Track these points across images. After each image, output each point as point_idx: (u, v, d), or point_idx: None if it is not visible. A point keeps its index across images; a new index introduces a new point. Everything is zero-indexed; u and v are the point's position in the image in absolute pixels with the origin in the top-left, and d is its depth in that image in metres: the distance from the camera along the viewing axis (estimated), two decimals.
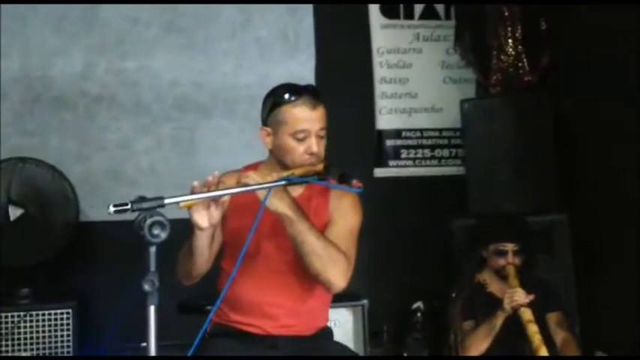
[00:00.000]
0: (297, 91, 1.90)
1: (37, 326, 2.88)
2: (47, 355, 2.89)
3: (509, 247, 2.74)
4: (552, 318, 2.75)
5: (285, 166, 1.90)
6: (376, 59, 3.75)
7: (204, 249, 1.81)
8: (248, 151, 3.54)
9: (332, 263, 1.82)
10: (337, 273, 1.83)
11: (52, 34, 3.39)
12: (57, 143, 3.35)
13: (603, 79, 3.16)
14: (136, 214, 1.51)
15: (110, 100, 3.46)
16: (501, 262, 2.75)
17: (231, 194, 1.70)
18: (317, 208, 1.96)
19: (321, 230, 1.87)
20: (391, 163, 3.73)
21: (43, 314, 2.89)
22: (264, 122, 1.96)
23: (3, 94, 3.31)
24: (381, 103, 3.75)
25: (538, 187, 3.24)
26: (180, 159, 3.54)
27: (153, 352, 1.49)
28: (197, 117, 3.57)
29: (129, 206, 1.47)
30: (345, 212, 1.96)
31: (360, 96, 3.68)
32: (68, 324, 2.92)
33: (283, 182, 1.72)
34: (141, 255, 3.53)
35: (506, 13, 3.46)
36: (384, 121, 3.74)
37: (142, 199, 1.50)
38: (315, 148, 1.86)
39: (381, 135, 3.74)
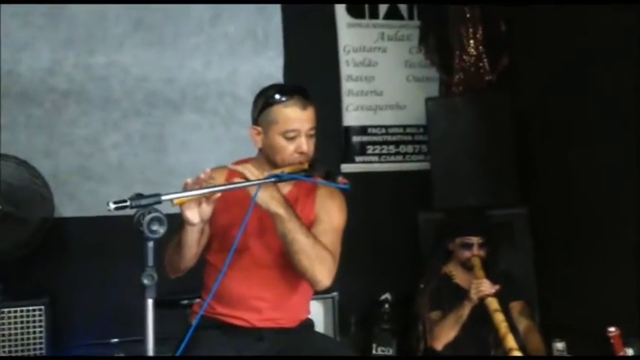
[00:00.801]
0: (288, 91, 1.95)
1: (9, 323, 2.85)
2: (19, 353, 2.87)
3: (474, 240, 2.88)
4: (515, 307, 2.90)
5: (274, 165, 1.95)
6: (343, 57, 3.83)
7: (193, 243, 1.86)
8: (217, 146, 3.63)
9: (319, 262, 1.89)
10: (324, 271, 1.91)
11: (19, 29, 3.33)
12: (25, 138, 3.31)
13: (559, 78, 3.32)
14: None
15: (78, 96, 3.43)
16: (467, 254, 2.88)
17: (225, 191, 1.75)
18: (304, 207, 2.03)
19: (308, 227, 1.94)
20: (357, 158, 3.82)
21: (15, 311, 2.86)
22: (255, 121, 2.01)
23: None
24: (347, 101, 3.83)
25: (499, 181, 3.39)
26: (149, 155, 3.54)
27: (150, 345, 1.52)
28: (166, 112, 3.58)
29: (128, 203, 1.50)
30: (331, 211, 2.03)
31: (327, 93, 3.74)
32: (40, 321, 2.90)
33: (272, 179, 1.78)
34: (111, 251, 3.54)
35: (468, 15, 3.62)
36: (351, 117, 3.83)
37: (140, 196, 1.54)
38: (304, 148, 1.93)
39: (348, 131, 3.83)
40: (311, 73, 3.64)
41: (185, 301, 2.86)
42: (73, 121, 3.43)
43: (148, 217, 1.48)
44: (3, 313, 2.85)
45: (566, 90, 3.27)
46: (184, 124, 3.60)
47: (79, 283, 3.24)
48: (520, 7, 3.51)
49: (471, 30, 3.59)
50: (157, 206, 1.55)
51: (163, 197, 1.57)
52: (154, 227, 1.49)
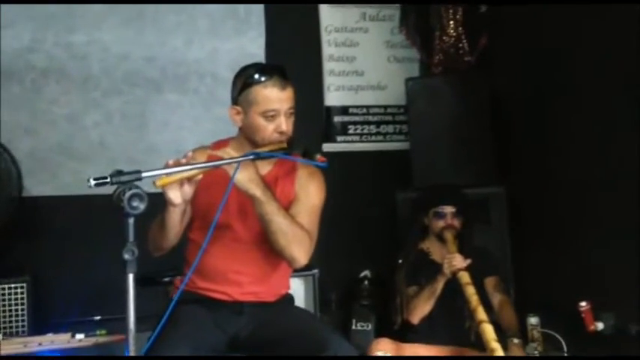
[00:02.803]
0: (267, 71, 1.97)
1: None
2: (1, 330, 2.89)
3: (448, 209, 2.94)
4: (490, 282, 2.96)
5: (254, 144, 1.98)
6: (324, 37, 3.86)
7: (176, 223, 1.90)
8: (198, 126, 3.64)
9: (296, 241, 1.94)
10: (300, 250, 1.96)
11: None
12: (6, 117, 3.29)
13: (536, 59, 3.37)
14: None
15: (59, 74, 3.42)
16: (441, 223, 2.94)
17: (205, 169, 1.78)
18: (283, 186, 2.07)
19: (287, 207, 1.98)
20: (339, 138, 3.86)
21: None
22: (234, 101, 2.03)
23: None
24: (329, 80, 3.86)
25: (477, 161, 3.44)
26: (130, 133, 3.54)
27: (132, 320, 1.56)
28: (147, 91, 3.58)
29: (108, 179, 1.52)
30: (309, 191, 2.07)
31: (309, 73, 3.77)
32: (22, 298, 2.92)
33: (251, 157, 1.81)
34: (93, 229, 3.55)
35: None
36: (332, 97, 3.87)
37: (120, 172, 1.56)
38: (284, 127, 1.96)
39: (330, 111, 3.86)
40: (293, 53, 3.67)
41: (167, 279, 2.89)
42: (54, 100, 3.42)
43: (128, 194, 1.51)
44: None
45: (542, 71, 3.32)
46: (165, 103, 3.61)
47: (61, 262, 3.25)
48: None
49: (450, 11, 3.61)
50: (139, 185, 1.58)
51: (144, 174, 1.59)
52: (135, 203, 1.52)
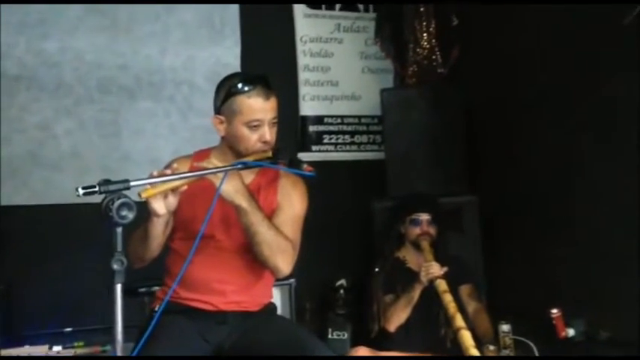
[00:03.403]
0: (251, 81, 1.97)
1: None
2: None
3: (423, 217, 3.00)
4: (464, 290, 3.02)
5: (237, 153, 1.98)
6: (300, 47, 3.88)
7: (159, 234, 1.90)
8: (174, 134, 3.62)
9: (280, 252, 1.95)
10: (284, 260, 1.97)
11: None
12: None
13: (505, 71, 3.45)
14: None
15: (30, 81, 3.36)
16: (417, 231, 2.99)
17: (191, 179, 1.77)
18: (266, 195, 2.08)
19: (269, 216, 1.99)
20: (314, 147, 3.88)
21: None
22: (217, 110, 2.02)
23: None
24: (304, 90, 3.88)
25: (450, 171, 3.50)
26: (103, 142, 3.50)
27: (119, 330, 1.54)
28: (121, 99, 3.54)
29: (97, 188, 1.51)
30: (292, 200, 2.09)
31: (284, 83, 3.77)
32: None
33: (239, 166, 1.82)
34: (64, 239, 3.49)
35: (422, 9, 3.70)
36: (307, 107, 3.89)
37: (108, 181, 1.55)
38: (268, 137, 1.96)
39: (305, 120, 3.88)
40: (268, 63, 3.66)
41: (143, 289, 2.86)
42: (25, 107, 3.36)
43: (117, 203, 1.50)
44: None
45: (511, 82, 3.40)
46: (139, 111, 3.57)
47: (32, 272, 3.18)
48: (471, 2, 3.62)
49: (424, 24, 3.68)
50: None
51: (132, 183, 1.58)
52: (123, 212, 1.51)
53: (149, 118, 3.59)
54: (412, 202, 3.10)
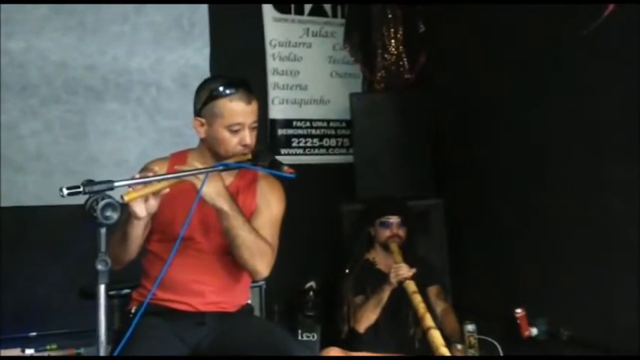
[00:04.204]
0: (233, 85, 1.98)
1: None
2: None
3: (393, 219, 3.06)
4: (432, 291, 3.09)
5: (217, 155, 2.00)
6: (269, 51, 3.90)
7: (138, 236, 1.90)
8: (142, 136, 3.59)
9: (259, 255, 1.98)
10: (263, 263, 2.00)
11: None
12: None
13: (471, 78, 3.54)
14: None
15: None
16: (387, 233, 3.04)
17: (174, 181, 1.77)
18: (245, 197, 2.09)
19: (249, 218, 2.00)
20: (283, 151, 3.89)
21: None
22: (198, 113, 2.02)
23: None
24: (273, 94, 3.90)
25: (417, 174, 3.58)
26: (70, 143, 3.44)
27: (102, 331, 1.54)
28: (88, 100, 3.49)
29: (81, 189, 1.50)
30: (271, 202, 2.11)
31: (253, 86, 3.72)
32: None
33: (220, 167, 1.83)
34: (27, 242, 3.42)
35: (390, 16, 3.77)
36: (277, 110, 3.91)
37: (91, 182, 1.54)
38: (248, 140, 1.99)
39: (274, 124, 3.90)
40: (237, 66, 3.68)
41: (113, 292, 2.82)
42: None
43: (101, 203, 1.50)
44: None
45: (475, 88, 3.49)
46: (106, 112, 3.53)
47: None
48: (438, 10, 3.70)
49: (392, 30, 3.75)
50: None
51: (116, 184, 1.58)
52: (108, 213, 1.51)
53: (116, 120, 3.55)
54: (382, 204, 3.16)
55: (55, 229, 3.22)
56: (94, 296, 2.99)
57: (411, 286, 2.79)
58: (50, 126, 3.41)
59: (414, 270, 2.82)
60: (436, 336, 2.52)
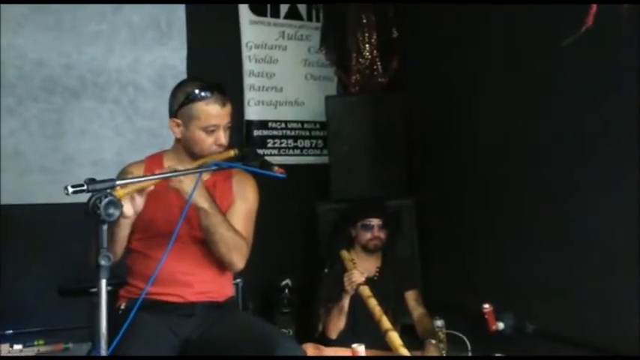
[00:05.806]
0: (209, 88, 2.08)
1: None
2: None
3: (375, 222, 3.11)
4: (411, 295, 3.14)
5: (192, 154, 2.10)
6: (245, 53, 3.96)
7: (125, 235, 1.99)
8: (119, 136, 3.62)
9: (235, 249, 2.10)
10: (239, 256, 2.12)
11: None
12: None
13: (442, 81, 3.64)
14: None
15: None
16: (368, 235, 3.10)
17: (160, 179, 1.84)
18: (222, 192, 2.19)
19: (225, 210, 2.11)
20: (258, 151, 3.94)
21: None
22: (174, 114, 2.10)
23: None
24: (249, 95, 3.97)
25: (389, 175, 3.67)
26: (47, 142, 3.46)
27: (104, 325, 1.59)
28: (65, 99, 3.51)
29: (85, 187, 1.56)
30: (246, 197, 2.23)
31: (229, 87, 3.74)
32: None
33: (213, 167, 1.90)
34: (4, 240, 3.41)
35: (365, 21, 3.88)
36: (252, 112, 3.97)
37: (93, 180, 1.60)
38: (223, 140, 2.10)
39: (250, 125, 3.97)
40: (214, 67, 3.70)
41: (94, 289, 2.85)
42: None
43: (105, 201, 1.56)
44: None
45: (448, 92, 3.59)
46: (84, 111, 3.55)
47: None
48: (410, 16, 3.81)
49: (366, 35, 3.86)
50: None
51: (118, 182, 1.64)
52: (110, 210, 1.57)
53: (94, 119, 3.57)
54: (364, 206, 3.20)
55: (33, 228, 3.23)
56: (73, 294, 3.02)
57: (365, 290, 2.76)
58: (27, 125, 3.42)
59: (365, 274, 2.84)
60: (394, 338, 2.52)
